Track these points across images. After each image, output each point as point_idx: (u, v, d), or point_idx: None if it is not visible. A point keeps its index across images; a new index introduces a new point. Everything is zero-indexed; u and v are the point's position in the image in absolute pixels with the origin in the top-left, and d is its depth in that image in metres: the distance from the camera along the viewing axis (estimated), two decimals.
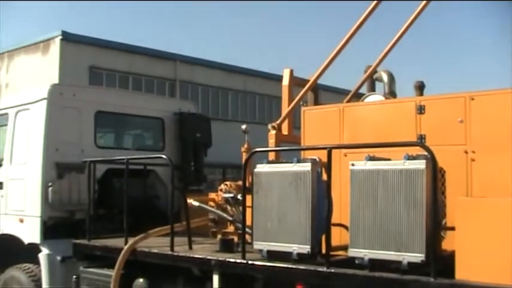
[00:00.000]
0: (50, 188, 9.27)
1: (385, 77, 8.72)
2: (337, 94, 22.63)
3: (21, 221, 9.68)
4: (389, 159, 5.69)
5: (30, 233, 9.48)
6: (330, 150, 5.97)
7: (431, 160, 5.33)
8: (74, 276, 8.64)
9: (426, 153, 5.36)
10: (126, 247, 7.83)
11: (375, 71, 9.28)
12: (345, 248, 5.92)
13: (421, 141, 6.32)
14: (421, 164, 5.35)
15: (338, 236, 6.28)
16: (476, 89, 6.44)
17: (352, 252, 5.71)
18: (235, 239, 7.62)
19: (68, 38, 29.86)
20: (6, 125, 10.36)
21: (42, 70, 30.07)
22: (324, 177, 6.17)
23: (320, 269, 5.90)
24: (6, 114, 10.40)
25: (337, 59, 8.48)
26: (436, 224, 5.36)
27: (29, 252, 9.52)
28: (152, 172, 10.28)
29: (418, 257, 5.28)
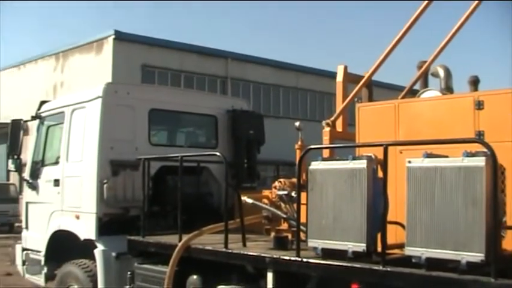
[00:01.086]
0: (105, 185, 9.38)
1: (441, 72, 8.55)
2: (389, 90, 22.40)
3: (77, 217, 9.83)
4: (447, 157, 5.57)
5: (86, 229, 9.62)
6: (386, 147, 5.88)
7: (491, 157, 5.19)
8: (129, 272, 8.75)
9: (486, 150, 5.23)
10: (180, 244, 7.86)
11: (429, 67, 9.13)
12: (400, 246, 5.83)
13: (479, 138, 6.18)
14: (480, 161, 5.22)
15: (393, 234, 6.18)
16: None
17: (409, 250, 5.61)
18: (289, 236, 7.57)
19: (120, 37, 30.30)
20: (62, 123, 10.54)
21: (96, 69, 30.58)
22: (380, 174, 6.09)
23: (376, 267, 5.81)
24: (63, 112, 10.58)
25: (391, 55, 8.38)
26: (496, 222, 5.22)
27: (85, 248, 9.66)
28: (205, 169, 10.31)
29: (477, 256, 5.15)
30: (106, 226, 9.45)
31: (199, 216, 8.87)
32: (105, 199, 9.38)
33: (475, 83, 8.70)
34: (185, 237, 7.93)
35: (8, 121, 11.64)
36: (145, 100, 10.17)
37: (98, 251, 9.40)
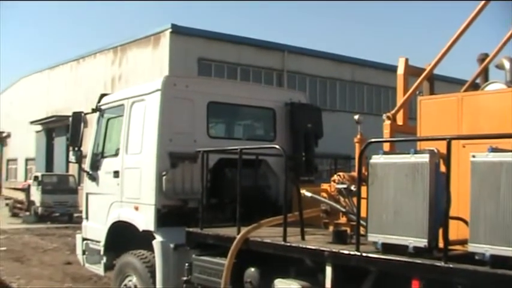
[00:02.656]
0: (164, 177, 9.46)
1: (507, 64, 8.33)
2: (450, 84, 22.03)
3: (137, 208, 9.95)
4: None
5: (144, 220, 9.73)
6: (449, 141, 5.76)
7: None
8: (187, 264, 8.80)
9: None
10: (238, 236, 7.87)
11: (492, 60, 8.93)
12: (463, 242, 5.72)
13: None
14: None
15: (455, 230, 6.06)
16: None
17: (472, 247, 5.49)
18: (348, 230, 7.51)
19: (177, 31, 30.56)
20: (122, 115, 10.67)
21: (153, 63, 30.94)
22: (442, 169, 5.98)
23: (438, 263, 5.70)
24: (122, 105, 10.71)
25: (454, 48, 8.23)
26: None
27: (143, 239, 9.77)
28: (263, 162, 10.31)
29: None
30: (165, 218, 9.52)
31: (257, 209, 8.86)
32: (163, 191, 9.46)
33: None
34: (244, 230, 7.94)
35: (69, 114, 11.81)
36: (204, 93, 10.21)
37: (157, 242, 9.49)
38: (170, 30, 30.51)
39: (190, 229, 9.02)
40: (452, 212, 5.94)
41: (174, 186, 9.52)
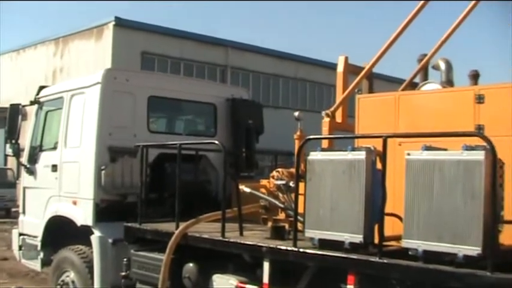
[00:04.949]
0: (103, 172, 9.37)
1: (442, 65, 8.53)
2: (390, 83, 22.37)
3: (75, 203, 9.83)
4: (446, 149, 5.56)
5: (83, 215, 9.62)
6: (385, 139, 5.87)
7: (491, 151, 5.18)
8: (125, 259, 8.74)
9: (485, 144, 5.22)
10: (177, 232, 7.86)
11: (430, 60, 9.11)
12: (398, 238, 5.82)
13: (479, 132, 6.17)
14: (480, 155, 5.21)
15: (391, 226, 6.17)
16: None
17: (406, 243, 5.61)
18: (286, 226, 7.57)
19: (120, 24, 30.24)
20: (61, 108, 10.52)
21: (96, 55, 30.55)
22: (379, 166, 6.08)
23: (373, 259, 5.81)
24: (62, 98, 10.56)
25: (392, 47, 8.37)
26: (494, 216, 5.22)
27: (81, 234, 9.66)
28: (204, 157, 10.30)
29: (474, 250, 5.15)
30: (103, 212, 9.43)
31: (196, 204, 8.86)
32: (102, 185, 9.38)
33: (475, 77, 8.68)
34: (182, 225, 7.93)
35: (7, 106, 11.58)
36: (145, 87, 10.15)
37: (95, 237, 9.39)
38: (113, 22, 30.17)
39: (129, 224, 8.98)
40: (388, 209, 6.05)
41: (113, 180, 9.45)
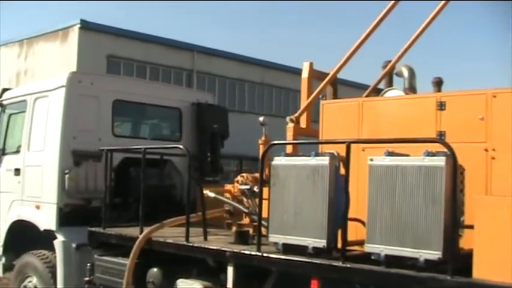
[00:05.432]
0: (67, 176, 9.30)
1: (405, 72, 8.65)
2: (355, 89, 22.56)
3: (38, 207, 9.74)
4: (408, 155, 5.64)
5: (46, 219, 9.53)
6: (348, 145, 5.93)
7: (452, 157, 5.27)
8: (89, 264, 8.69)
9: (446, 150, 5.31)
10: (141, 236, 7.83)
11: (394, 67, 9.21)
12: (361, 243, 5.90)
13: (440, 138, 6.27)
14: (441, 161, 5.30)
15: (354, 231, 6.25)
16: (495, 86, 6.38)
17: (369, 247, 5.67)
18: (251, 231, 7.59)
19: (86, 27, 29.96)
20: (24, 111, 10.42)
21: (61, 58, 30.22)
22: (342, 171, 6.14)
23: (335, 263, 5.86)
24: (25, 101, 10.46)
25: (357, 54, 8.43)
26: (454, 221, 5.31)
27: (45, 239, 9.57)
28: (169, 162, 10.29)
29: (435, 254, 5.24)
30: (67, 217, 9.37)
31: (161, 208, 8.86)
32: (66, 189, 9.31)
33: (438, 84, 8.82)
34: (146, 230, 7.91)
35: None
36: (110, 91, 10.11)
37: (58, 241, 9.32)
38: (79, 25, 29.90)
39: (93, 229, 8.92)
40: (352, 214, 6.13)
41: (77, 184, 9.38)
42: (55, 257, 9.38)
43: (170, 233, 8.00)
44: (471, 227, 5.29)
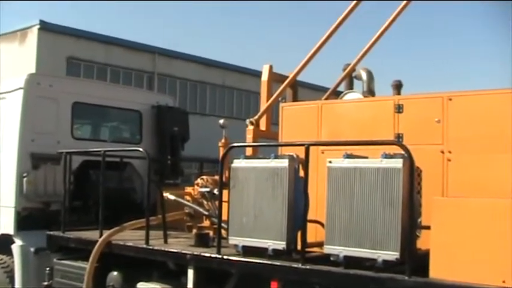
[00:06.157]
0: (25, 179, 9.19)
1: (364, 75, 8.73)
2: (316, 91, 22.66)
3: None
4: (366, 157, 5.71)
5: (3, 223, 9.40)
6: (307, 147, 5.98)
7: (409, 159, 5.36)
8: (47, 268, 8.59)
9: (403, 152, 5.39)
10: (100, 240, 7.79)
11: (353, 69, 9.29)
12: (320, 244, 5.94)
13: (398, 140, 6.35)
14: (398, 163, 5.38)
15: (314, 233, 6.30)
16: (454, 89, 6.48)
17: (328, 249, 5.73)
18: (211, 233, 7.60)
19: (45, 28, 29.59)
20: None
21: (19, 59, 29.78)
22: (301, 173, 6.18)
23: (295, 265, 5.91)
24: None
25: (317, 57, 8.48)
26: (411, 222, 5.39)
27: (2, 244, 9.43)
28: (129, 165, 10.24)
29: (393, 255, 5.33)
30: (25, 221, 9.25)
31: (122, 211, 8.79)
32: (24, 193, 9.20)
33: (398, 87, 8.93)
34: (106, 233, 7.87)
35: None
36: (69, 93, 10.02)
37: (16, 246, 9.20)
38: (38, 26, 29.53)
39: (52, 232, 8.84)
40: (311, 216, 6.17)
41: (35, 188, 9.27)
42: (13, 262, 9.26)
43: (130, 236, 7.97)
44: (428, 227, 5.38)
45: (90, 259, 7.74)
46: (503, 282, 4.81)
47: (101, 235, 7.89)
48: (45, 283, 8.61)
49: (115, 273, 7.82)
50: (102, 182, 8.29)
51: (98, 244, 7.77)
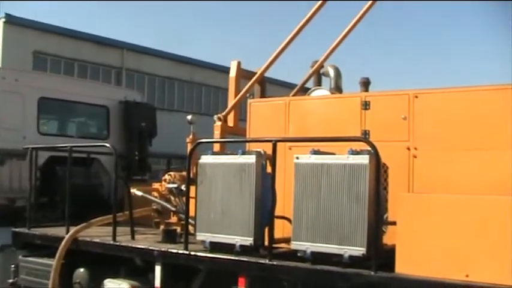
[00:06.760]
0: None
1: (331, 72, 8.76)
2: (285, 88, 22.71)
3: None
4: (333, 154, 5.74)
5: None
6: (275, 143, 6.00)
7: (375, 155, 5.40)
8: (13, 265, 8.53)
9: (370, 148, 5.43)
10: (67, 236, 7.72)
11: (321, 66, 9.32)
12: (287, 240, 5.96)
13: (365, 137, 6.39)
14: (364, 159, 5.42)
15: (281, 229, 6.31)
16: (421, 86, 6.54)
17: (295, 245, 5.76)
18: (178, 229, 7.58)
19: (11, 21, 29.18)
20: None
21: None
22: (269, 170, 6.20)
23: (262, 261, 5.93)
24: None
25: (286, 53, 8.50)
26: (378, 218, 5.44)
27: None
28: (96, 160, 10.16)
29: (359, 250, 5.37)
30: None
31: (89, 208, 8.72)
32: None
33: (365, 84, 8.94)
34: (73, 230, 7.81)
35: None
36: (35, 88, 9.93)
37: None
38: (3, 19, 29.14)
39: (18, 229, 8.74)
40: (279, 211, 6.18)
41: (0, 184, 9.18)
42: None
43: (97, 232, 7.92)
44: (394, 223, 5.43)
45: (57, 256, 7.67)
46: (467, 276, 4.89)
47: (67, 232, 7.83)
48: (11, 280, 8.55)
49: (82, 270, 7.77)
50: (68, 178, 8.23)
51: (64, 241, 7.70)
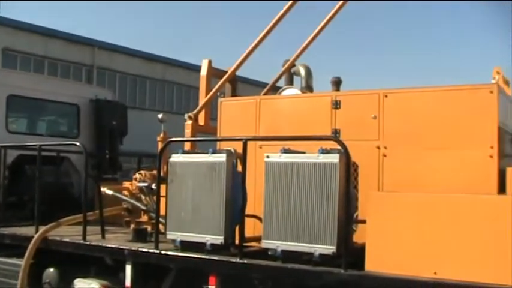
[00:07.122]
0: None
1: (302, 71, 8.77)
2: (256, 87, 22.74)
3: None
4: (304, 153, 5.77)
5: None
6: (245, 142, 6.02)
7: (345, 154, 5.44)
8: None
9: (340, 147, 5.47)
10: (36, 235, 7.66)
11: (292, 65, 9.34)
12: (258, 239, 5.98)
13: (335, 136, 6.43)
14: (334, 158, 5.46)
15: (252, 228, 6.33)
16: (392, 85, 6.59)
17: (266, 243, 5.78)
18: (149, 228, 7.56)
19: None
20: None
21: None
22: (239, 168, 6.21)
23: (233, 260, 5.95)
24: None
25: (257, 52, 8.51)
26: (348, 217, 5.48)
27: None
28: (66, 159, 10.09)
29: (329, 249, 5.41)
30: None
31: (59, 207, 8.65)
32: None
33: (337, 83, 8.97)
34: (42, 229, 7.74)
35: None
36: (4, 85, 9.83)
37: None
38: None
39: None
40: (249, 210, 6.22)
41: None
42: None
43: (67, 231, 7.87)
44: (364, 221, 5.47)
45: (26, 255, 7.60)
46: (435, 273, 4.96)
47: (36, 231, 7.76)
48: None
49: (51, 269, 7.72)
50: (38, 177, 8.16)
51: (33, 240, 7.63)
